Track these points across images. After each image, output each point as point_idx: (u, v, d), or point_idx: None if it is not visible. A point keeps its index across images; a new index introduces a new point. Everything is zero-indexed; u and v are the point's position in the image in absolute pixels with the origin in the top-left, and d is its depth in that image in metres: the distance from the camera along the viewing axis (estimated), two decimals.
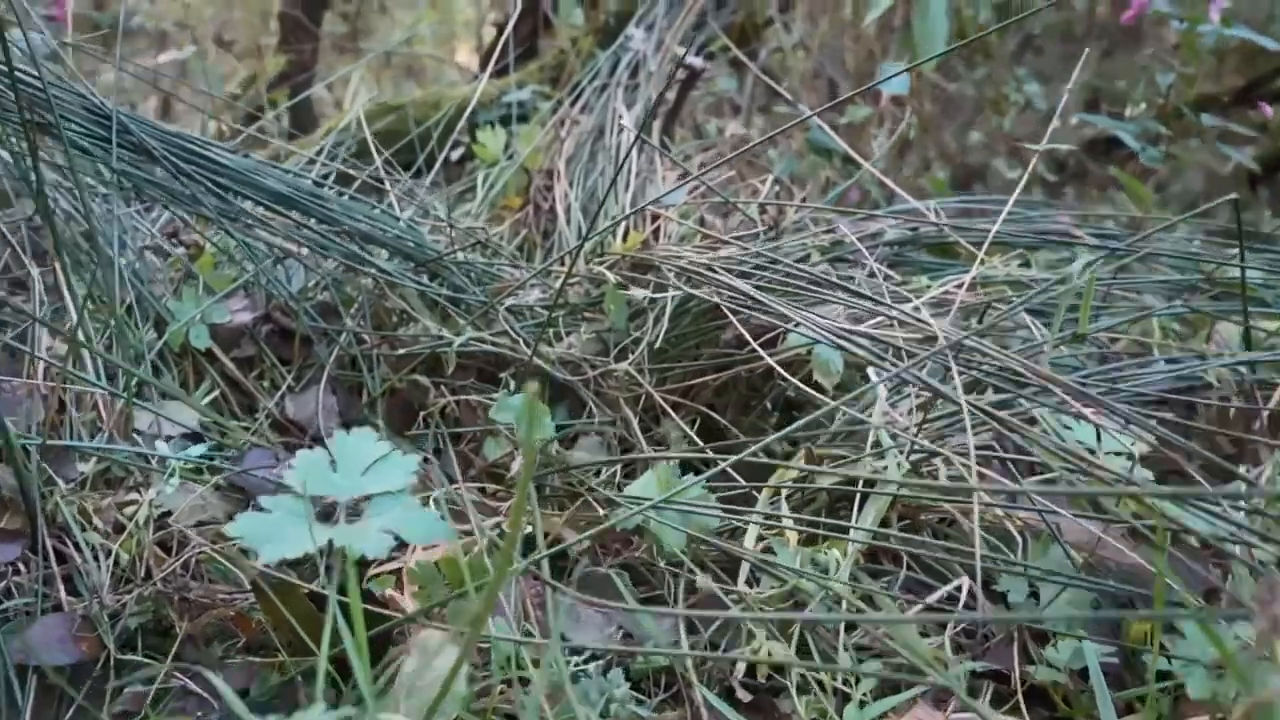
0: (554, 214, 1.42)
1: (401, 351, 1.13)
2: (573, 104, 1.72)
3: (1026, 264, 1.09)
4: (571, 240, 1.32)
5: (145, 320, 1.16)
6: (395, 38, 6.98)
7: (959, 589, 0.74)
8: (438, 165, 1.51)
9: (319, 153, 1.57)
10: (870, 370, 0.81)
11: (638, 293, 1.08)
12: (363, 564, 0.79)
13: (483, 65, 3.51)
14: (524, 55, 3.40)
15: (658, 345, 1.06)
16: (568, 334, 1.13)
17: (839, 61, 2.72)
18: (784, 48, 2.93)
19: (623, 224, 1.22)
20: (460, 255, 1.20)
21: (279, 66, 3.19)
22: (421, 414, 1.11)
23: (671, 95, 1.57)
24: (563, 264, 1.18)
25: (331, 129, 2.64)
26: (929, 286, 1.03)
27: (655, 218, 1.34)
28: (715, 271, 1.03)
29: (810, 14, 3.02)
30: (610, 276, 1.09)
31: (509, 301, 1.12)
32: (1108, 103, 3.93)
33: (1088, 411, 0.75)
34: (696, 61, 1.45)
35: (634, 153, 1.46)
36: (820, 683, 0.72)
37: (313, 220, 1.15)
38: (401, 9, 7.28)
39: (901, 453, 0.81)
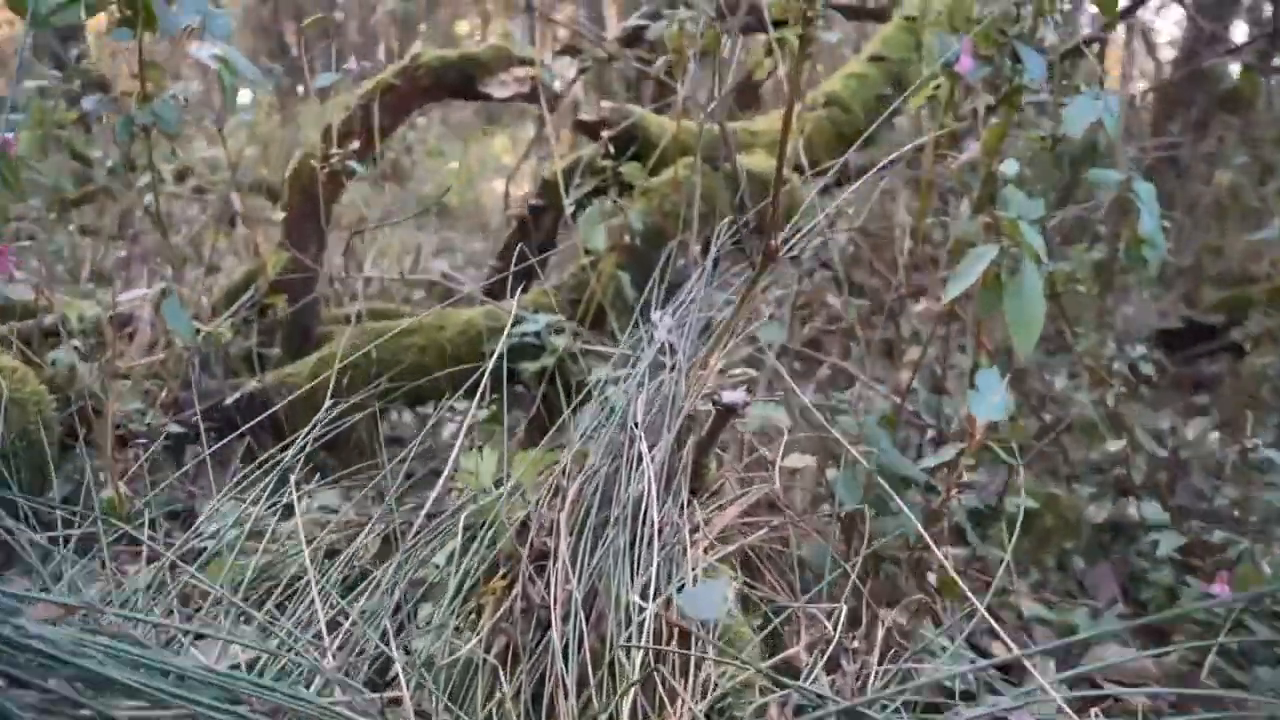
0: (548, 605, 1.08)
1: None
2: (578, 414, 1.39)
3: None
4: (568, 677, 0.96)
5: None
6: (428, 191, 6.86)
7: None
8: (412, 534, 1.17)
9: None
10: None
11: None
12: None
13: (501, 257, 3.25)
14: (542, 247, 3.14)
15: None
16: None
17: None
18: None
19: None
20: None
21: (280, 264, 2.95)
22: None
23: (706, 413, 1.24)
24: None
25: (325, 359, 2.35)
26: None
27: (685, 635, 0.99)
28: None
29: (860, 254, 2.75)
30: None
31: None
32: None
33: None
34: (737, 398, 1.12)
35: (655, 513, 1.12)
36: None
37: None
38: (434, 158, 7.22)
39: None
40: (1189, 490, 2.41)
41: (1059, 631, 1.52)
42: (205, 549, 1.30)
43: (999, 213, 1.45)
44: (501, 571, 1.11)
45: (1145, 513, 2.11)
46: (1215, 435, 2.82)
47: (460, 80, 2.83)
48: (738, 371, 1.30)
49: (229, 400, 2.13)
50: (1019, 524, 1.38)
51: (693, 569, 1.09)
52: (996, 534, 1.76)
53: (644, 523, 1.15)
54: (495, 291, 3.30)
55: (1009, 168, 1.60)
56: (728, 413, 1.16)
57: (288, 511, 1.47)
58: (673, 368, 1.36)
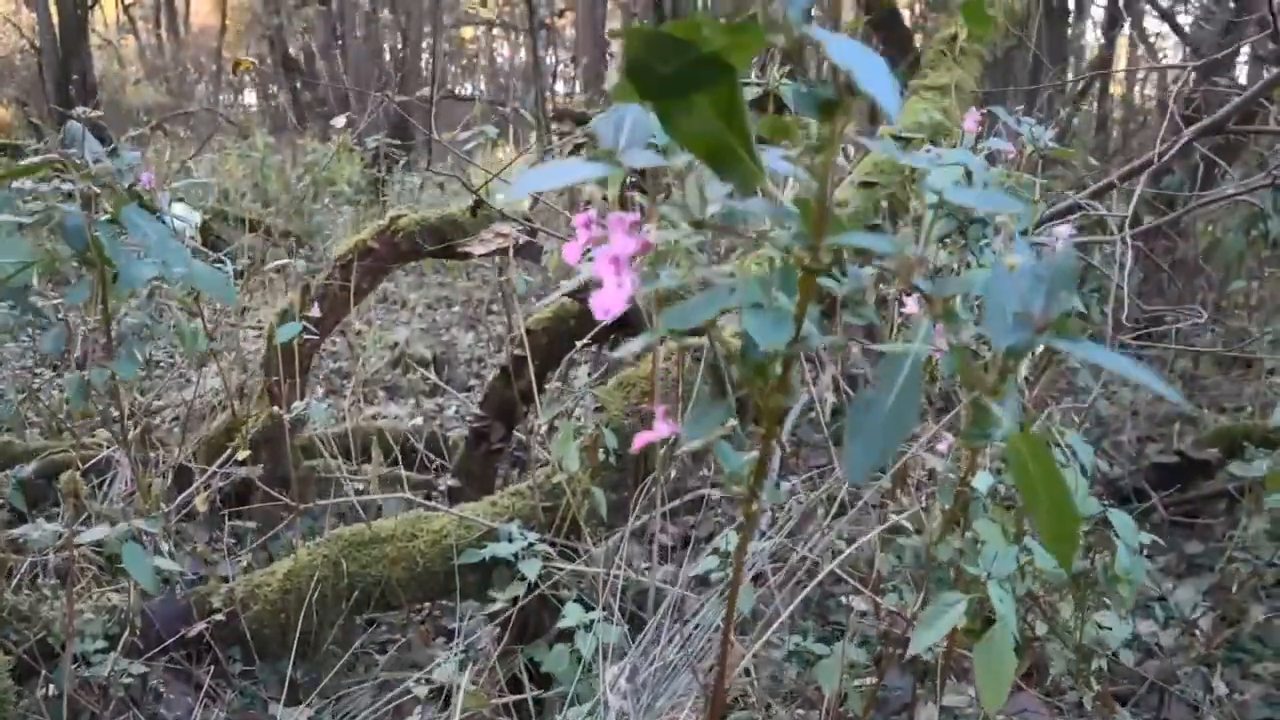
0: None
1: None
2: None
3: None
4: None
5: None
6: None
7: None
8: None
9: None
10: None
11: None
12: None
13: (484, 405, 3.20)
14: (525, 396, 3.08)
15: None
16: None
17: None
18: None
19: None
20: None
21: (263, 417, 2.92)
22: None
23: None
24: None
25: (292, 572, 2.31)
26: None
27: None
28: None
29: None
30: None
31: None
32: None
33: None
34: None
35: None
36: None
37: None
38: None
39: None
40: (1180, 706, 2.36)
41: None
42: None
43: (967, 568, 1.40)
44: None
45: None
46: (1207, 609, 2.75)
47: (439, 243, 2.78)
48: None
49: (195, 630, 2.11)
50: None
51: None
52: None
53: None
54: (482, 434, 3.25)
55: (982, 482, 1.54)
56: None
57: None
58: None
